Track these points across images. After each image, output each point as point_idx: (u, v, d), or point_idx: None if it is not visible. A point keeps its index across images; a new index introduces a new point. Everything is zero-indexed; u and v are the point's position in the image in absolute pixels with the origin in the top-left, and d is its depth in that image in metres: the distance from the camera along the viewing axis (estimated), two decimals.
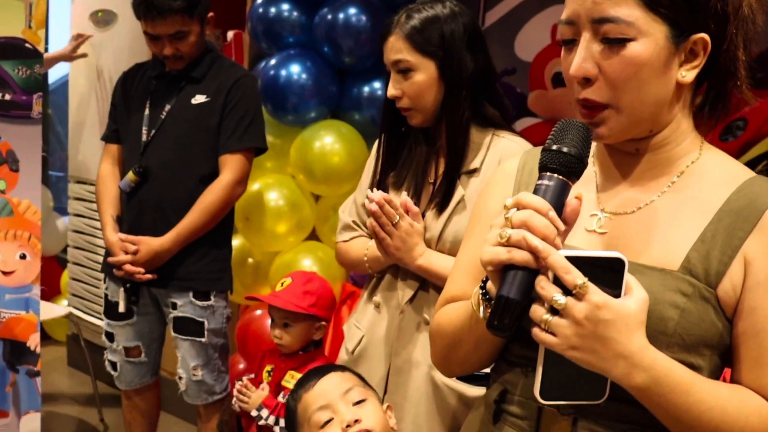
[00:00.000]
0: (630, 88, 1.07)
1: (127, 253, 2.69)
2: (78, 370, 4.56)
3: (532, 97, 3.38)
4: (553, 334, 0.98)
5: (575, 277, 0.96)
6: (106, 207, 2.82)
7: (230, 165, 2.70)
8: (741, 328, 1.08)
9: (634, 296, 0.99)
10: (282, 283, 2.48)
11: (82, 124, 4.29)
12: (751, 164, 2.81)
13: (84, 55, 3.98)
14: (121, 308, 2.77)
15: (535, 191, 1.03)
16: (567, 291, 0.97)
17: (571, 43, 1.11)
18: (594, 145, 1.24)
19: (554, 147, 1.04)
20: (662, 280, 1.08)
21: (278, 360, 2.49)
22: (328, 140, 3.14)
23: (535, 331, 0.99)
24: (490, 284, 1.07)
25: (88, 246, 4.31)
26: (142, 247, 2.68)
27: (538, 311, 0.99)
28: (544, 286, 0.97)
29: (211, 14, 2.77)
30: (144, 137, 2.75)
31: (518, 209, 1.00)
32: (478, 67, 1.89)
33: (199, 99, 2.73)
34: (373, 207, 1.81)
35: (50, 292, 4.83)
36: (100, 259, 4.18)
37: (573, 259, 0.97)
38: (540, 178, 1.04)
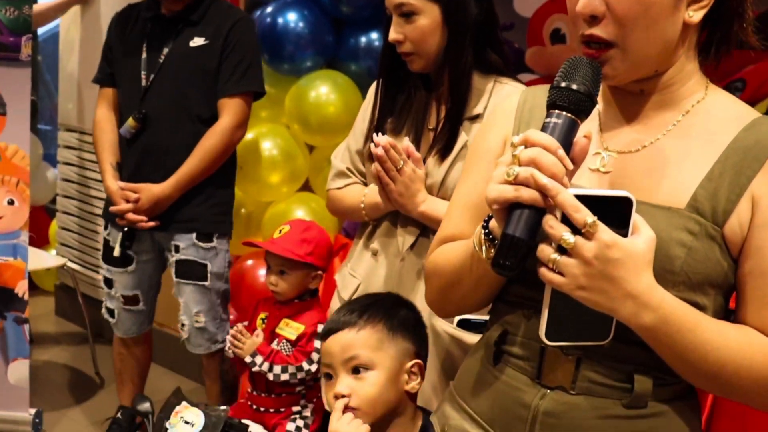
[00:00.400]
0: (638, 26, 1.05)
1: (128, 201, 2.67)
2: (66, 320, 4.55)
3: (530, 53, 3.36)
4: (561, 273, 0.97)
5: (585, 215, 0.94)
6: (105, 154, 2.79)
7: (229, 109, 2.68)
8: (747, 267, 1.07)
9: (642, 235, 0.98)
10: (280, 230, 2.47)
11: (73, 71, 4.23)
12: None
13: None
14: (116, 252, 2.75)
15: (543, 129, 1.01)
16: (575, 230, 0.95)
17: None
18: None
19: (563, 84, 1.01)
20: (669, 218, 1.07)
21: (273, 308, 2.49)
22: (324, 90, 3.11)
23: (543, 270, 0.98)
24: (493, 223, 1.06)
25: (77, 195, 4.27)
26: (143, 194, 2.66)
27: (545, 251, 0.97)
28: (552, 224, 0.96)
29: None
30: (143, 82, 2.71)
31: (526, 147, 0.98)
32: (482, 13, 1.85)
33: (197, 42, 2.69)
34: (379, 151, 1.77)
35: (39, 242, 4.80)
36: (90, 208, 4.20)
37: (580, 198, 0.96)
38: (548, 115, 1.02)
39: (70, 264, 4.22)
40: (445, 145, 1.84)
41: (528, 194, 0.96)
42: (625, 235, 0.97)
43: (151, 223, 2.68)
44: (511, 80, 1.89)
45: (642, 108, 1.15)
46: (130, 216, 2.67)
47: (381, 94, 1.97)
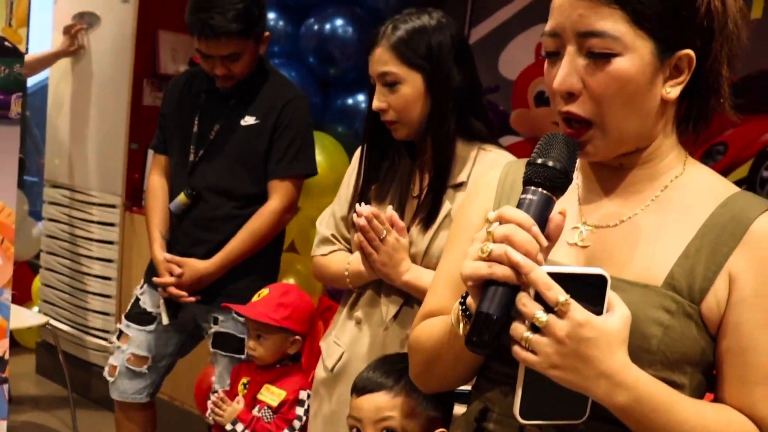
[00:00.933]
0: (615, 103, 1.06)
1: (172, 274, 2.67)
2: (47, 379, 4.47)
3: (515, 116, 3.39)
4: (533, 352, 0.96)
5: (557, 293, 0.94)
6: (155, 223, 2.79)
7: (279, 191, 2.67)
8: (725, 345, 1.07)
9: (617, 313, 0.97)
10: (259, 294, 2.45)
11: (61, 128, 4.24)
12: None
13: (82, 47, 3.97)
14: (164, 321, 2.74)
15: (519, 205, 1.01)
16: (548, 308, 0.95)
17: (555, 56, 1.10)
18: None
19: (539, 161, 1.02)
20: (645, 296, 1.07)
21: (254, 372, 2.46)
22: None
23: (516, 349, 0.98)
24: (470, 300, 1.05)
25: (61, 252, 4.24)
26: (187, 269, 2.66)
27: (518, 329, 0.97)
28: (525, 302, 0.96)
29: (267, 34, 2.70)
30: (191, 157, 2.71)
31: (501, 223, 0.98)
32: (465, 80, 1.87)
33: (248, 120, 2.68)
34: (362, 222, 1.76)
35: (21, 298, 4.75)
36: (76, 266, 4.16)
37: (554, 276, 0.95)
38: (524, 192, 1.02)
39: (52, 322, 4.17)
40: (428, 213, 1.84)
41: (501, 271, 0.96)
42: (599, 312, 0.97)
43: (191, 299, 2.67)
44: (495, 147, 1.90)
45: (621, 182, 1.16)
46: (172, 290, 2.67)
47: (365, 161, 1.97)
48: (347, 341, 1.96)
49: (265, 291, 2.44)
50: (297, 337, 2.43)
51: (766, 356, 1.04)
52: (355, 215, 1.78)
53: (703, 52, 1.08)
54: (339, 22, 3.08)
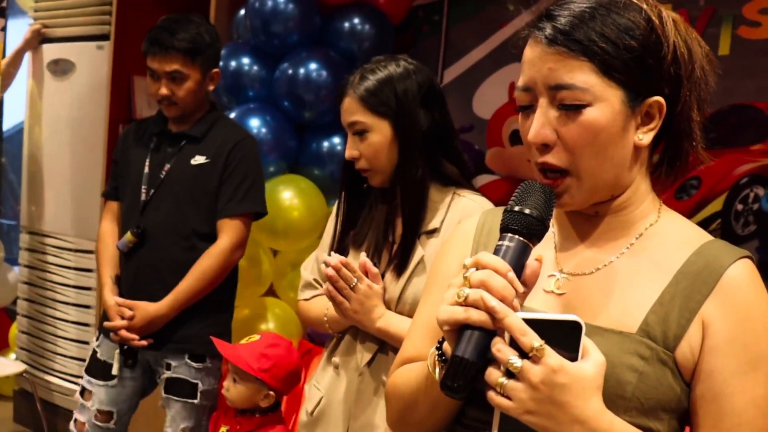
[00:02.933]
0: (588, 153, 1.08)
1: (123, 318, 2.65)
2: (24, 427, 4.40)
3: (490, 155, 3.42)
4: (508, 397, 0.97)
5: (532, 339, 0.95)
6: (105, 268, 2.79)
7: (228, 230, 2.67)
8: (699, 391, 1.08)
9: (591, 360, 0.98)
10: (249, 339, 2.44)
11: (37, 174, 4.22)
12: (705, 222, 2.86)
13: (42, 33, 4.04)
14: (115, 371, 2.71)
15: (495, 251, 1.03)
16: (523, 354, 0.96)
17: (528, 109, 1.12)
18: None
19: (516, 208, 1.04)
20: (620, 342, 1.08)
21: (233, 421, 2.43)
22: (287, 195, 3.14)
23: (491, 394, 0.98)
24: (446, 345, 1.06)
25: (38, 298, 4.20)
26: (138, 312, 2.64)
27: (493, 374, 0.97)
28: (500, 348, 0.96)
29: (216, 70, 2.74)
30: (143, 196, 2.72)
31: (477, 269, 0.99)
32: (434, 124, 1.88)
33: (198, 159, 2.70)
34: (330, 272, 1.78)
35: None
36: (51, 312, 4.13)
37: (530, 322, 0.96)
38: (501, 238, 1.04)
39: (29, 369, 4.13)
40: (401, 260, 1.85)
41: (477, 316, 0.97)
42: (574, 358, 0.98)
43: (143, 342, 2.65)
44: (469, 192, 1.91)
45: (596, 230, 1.18)
46: (123, 333, 2.64)
47: (343, 207, 1.99)
48: (326, 386, 1.96)
49: (255, 337, 2.43)
50: (271, 392, 2.39)
51: (740, 403, 1.05)
52: (323, 265, 1.80)
53: (673, 98, 1.11)
54: (313, 65, 3.10)
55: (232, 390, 2.39)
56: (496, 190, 3.31)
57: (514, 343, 0.96)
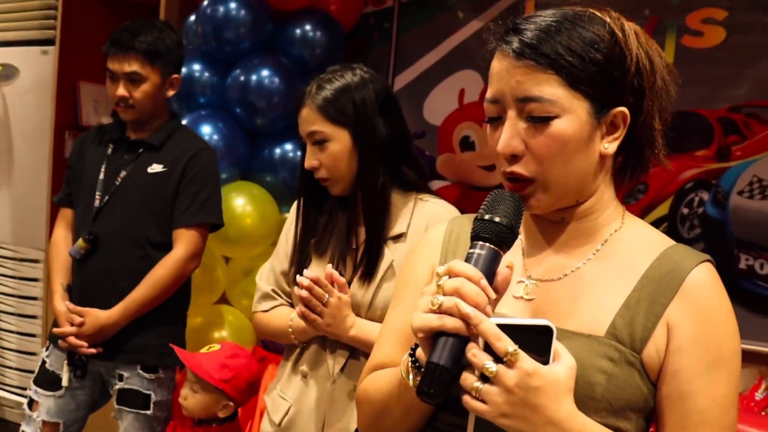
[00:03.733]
0: (556, 162, 1.12)
1: (72, 324, 2.59)
2: None
3: (441, 161, 3.45)
4: (483, 401, 0.99)
5: (506, 344, 0.97)
6: (56, 275, 2.73)
7: (184, 240, 2.64)
8: (664, 391, 1.11)
9: (563, 363, 1.01)
10: (209, 348, 2.41)
11: None
12: (652, 226, 2.91)
13: None
14: (64, 381, 2.65)
15: (467, 259, 1.05)
16: (498, 358, 0.98)
17: (497, 121, 1.15)
18: None
19: (487, 217, 1.06)
20: (589, 345, 1.11)
21: (190, 431, 2.40)
22: (240, 202, 3.11)
23: (466, 398, 1.00)
24: (419, 351, 1.07)
25: None
26: (88, 319, 2.59)
27: (468, 379, 0.99)
28: (475, 353, 0.98)
29: (176, 76, 2.71)
30: (97, 203, 2.67)
31: (450, 277, 1.01)
32: (392, 132, 1.90)
33: (155, 168, 2.66)
34: (303, 293, 1.78)
35: None
36: (3, 325, 4.02)
37: (502, 327, 0.99)
38: (472, 246, 1.06)
39: None
40: (367, 266, 1.86)
41: (452, 323, 0.99)
42: (546, 362, 1.00)
43: (92, 350, 2.59)
44: (431, 197, 1.94)
45: (563, 236, 1.21)
46: (71, 340, 2.58)
47: (302, 216, 1.99)
48: (293, 395, 1.95)
49: (216, 346, 2.41)
50: (230, 403, 2.37)
51: (704, 402, 1.09)
52: (296, 288, 1.79)
53: (636, 108, 1.15)
54: (265, 72, 3.08)
55: (191, 399, 2.36)
56: (447, 195, 3.32)
57: (488, 349, 0.98)
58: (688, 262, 1.14)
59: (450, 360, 0.99)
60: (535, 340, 1.00)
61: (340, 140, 1.87)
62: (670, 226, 2.93)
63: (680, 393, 1.10)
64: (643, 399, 1.11)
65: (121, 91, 2.61)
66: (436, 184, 3.42)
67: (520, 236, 1.25)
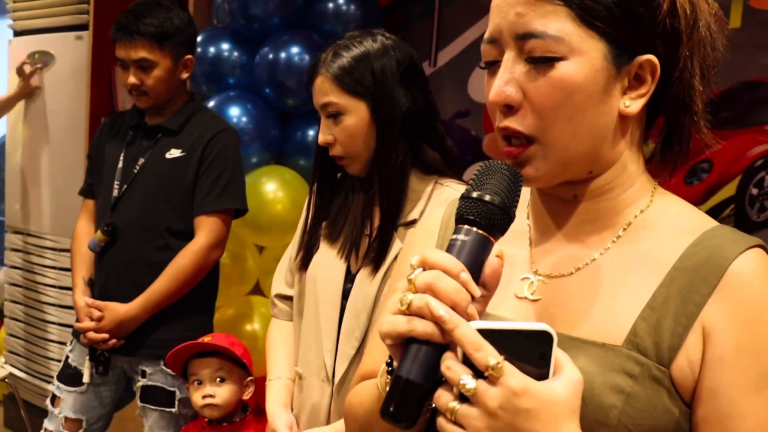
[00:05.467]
0: (559, 116, 0.89)
1: (92, 319, 2.51)
2: None
3: (487, 140, 3.24)
4: (461, 425, 0.78)
5: (487, 355, 0.76)
6: (77, 268, 2.67)
7: (205, 227, 2.52)
8: (701, 414, 0.88)
9: (563, 377, 0.79)
10: (203, 340, 2.29)
11: (19, 170, 4.08)
12: (717, 209, 2.69)
13: (38, 87, 3.84)
14: (86, 377, 2.58)
15: (449, 248, 0.84)
16: (479, 372, 0.77)
17: (494, 65, 0.93)
18: (528, 192, 1.06)
19: (474, 194, 0.84)
20: (603, 357, 0.89)
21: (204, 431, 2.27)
22: (271, 187, 2.97)
23: (441, 421, 0.79)
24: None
25: (25, 300, 4.07)
26: (107, 313, 2.50)
27: (443, 397, 0.79)
28: (450, 365, 0.78)
29: (189, 57, 2.58)
30: (115, 192, 2.58)
31: (424, 269, 0.81)
32: (415, 106, 1.72)
33: (173, 153, 2.55)
34: None
35: None
36: (39, 314, 4.01)
37: (488, 333, 0.78)
38: (456, 231, 0.85)
39: (16, 372, 4.01)
40: (377, 254, 1.68)
41: (422, 327, 0.79)
42: (545, 375, 0.79)
43: (112, 342, 2.51)
44: (453, 181, 1.74)
45: (577, 218, 0.98)
46: (91, 335, 2.50)
47: (315, 198, 1.83)
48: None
49: (208, 338, 2.30)
50: (251, 378, 2.29)
51: (751, 426, 0.86)
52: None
53: (670, 60, 0.92)
54: (294, 49, 2.91)
55: (222, 392, 2.24)
56: None
57: (469, 360, 0.78)
58: (731, 247, 0.90)
59: (421, 373, 0.79)
60: (532, 349, 0.79)
61: (356, 112, 1.69)
62: (737, 208, 2.67)
63: (721, 416, 0.87)
64: (674, 424, 0.88)
65: (132, 79, 2.50)
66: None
67: (527, 222, 1.04)
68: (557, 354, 0.80)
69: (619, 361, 0.88)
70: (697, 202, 2.79)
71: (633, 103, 0.92)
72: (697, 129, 0.97)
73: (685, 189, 2.75)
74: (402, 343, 0.81)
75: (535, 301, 0.98)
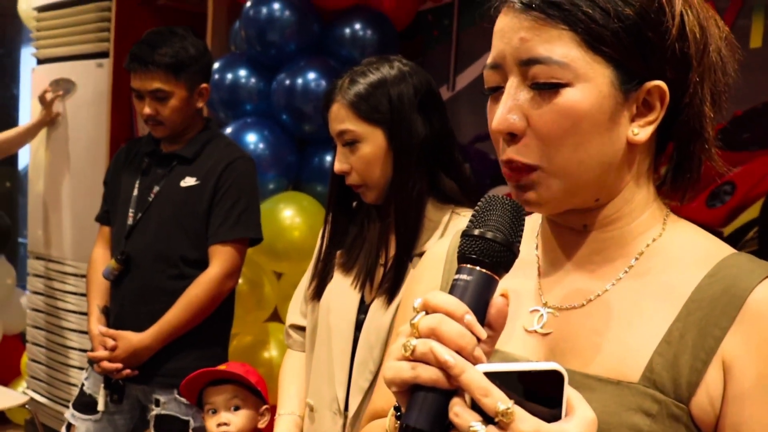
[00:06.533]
0: (565, 145, 0.87)
1: (105, 348, 2.51)
2: None
3: None
4: None
5: (496, 400, 0.73)
6: (92, 296, 2.66)
7: (219, 256, 2.50)
8: None
9: (576, 418, 0.76)
10: (217, 368, 2.27)
11: (41, 196, 4.11)
12: (741, 231, 2.64)
13: (59, 114, 3.88)
14: (100, 405, 2.57)
15: (452, 289, 0.81)
16: (488, 418, 0.75)
17: (498, 91, 0.91)
18: (537, 221, 1.03)
19: (476, 231, 0.81)
20: (618, 395, 0.86)
21: None
22: (288, 213, 2.96)
23: None
24: None
25: (47, 326, 4.09)
26: (120, 342, 2.50)
27: None
28: (458, 412, 0.75)
29: (204, 85, 2.58)
30: (130, 220, 2.58)
31: (427, 312, 0.78)
32: (433, 133, 1.69)
33: (188, 182, 2.55)
34: None
35: (10, 374, 4.60)
36: (60, 339, 4.02)
37: (496, 375, 0.75)
38: (458, 271, 0.82)
39: (38, 398, 4.01)
40: (391, 284, 1.66)
41: (427, 374, 0.76)
42: (558, 416, 0.76)
43: (126, 371, 2.50)
44: (470, 211, 1.68)
45: (586, 249, 0.95)
46: (105, 364, 2.50)
47: (330, 227, 1.81)
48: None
49: (222, 366, 2.27)
50: (266, 406, 2.24)
51: None
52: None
53: (679, 85, 0.89)
54: (311, 75, 2.92)
55: (236, 420, 2.21)
56: None
57: (478, 406, 0.75)
58: (750, 276, 0.87)
59: (428, 422, 0.76)
60: (543, 390, 0.76)
61: (373, 140, 1.67)
62: (761, 230, 2.62)
63: None
64: None
65: (148, 110, 2.50)
66: (502, 190, 3.18)
67: (536, 251, 1.01)
68: (569, 393, 0.77)
69: (635, 399, 0.85)
70: (720, 224, 2.74)
71: (641, 131, 0.89)
72: (709, 156, 0.94)
73: (707, 212, 2.70)
74: (408, 390, 0.78)
75: (545, 335, 0.95)
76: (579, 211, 0.93)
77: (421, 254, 1.66)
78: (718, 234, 2.56)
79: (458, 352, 0.76)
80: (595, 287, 0.94)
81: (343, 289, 1.74)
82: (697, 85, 0.90)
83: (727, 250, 0.92)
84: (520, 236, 0.83)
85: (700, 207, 2.69)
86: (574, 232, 0.96)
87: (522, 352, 0.94)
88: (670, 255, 0.93)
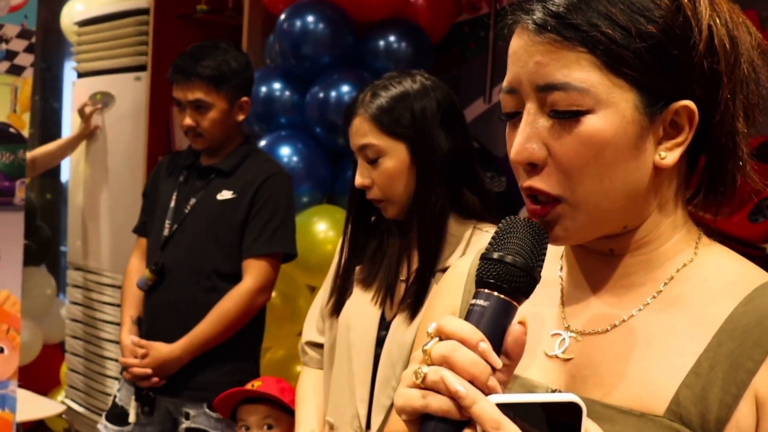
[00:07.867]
0: (588, 175, 0.82)
1: (136, 357, 2.54)
2: None
3: None
4: None
5: None
6: (126, 306, 2.69)
7: (253, 270, 2.51)
8: None
9: None
10: (252, 384, 2.26)
11: (81, 209, 4.16)
12: None
13: (98, 127, 3.93)
14: (131, 417, 2.59)
15: (468, 314, 0.78)
16: None
17: (515, 117, 0.86)
18: None
19: (495, 255, 0.79)
20: (641, 429, 0.82)
21: None
22: (322, 227, 2.94)
23: None
24: None
25: (85, 336, 4.13)
26: (151, 352, 2.52)
27: None
28: None
29: (245, 99, 2.59)
30: (166, 231, 2.60)
31: (441, 339, 0.76)
32: (456, 148, 1.67)
33: (225, 195, 2.56)
34: None
35: (50, 383, 4.65)
36: (98, 350, 4.07)
37: (510, 407, 0.72)
38: (475, 296, 0.79)
39: (76, 408, 4.05)
40: (413, 300, 1.63)
41: (438, 403, 0.73)
42: None
43: (155, 380, 2.51)
44: (492, 226, 1.68)
45: (613, 273, 0.91)
46: (135, 370, 2.52)
47: (349, 241, 1.78)
48: None
49: (258, 382, 2.27)
50: None
51: None
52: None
53: (709, 103, 0.84)
54: (345, 88, 2.90)
55: None
56: None
57: None
58: None
59: None
60: (559, 423, 0.73)
61: (395, 155, 1.66)
62: None
63: None
64: None
65: (188, 120, 2.52)
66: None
67: (560, 273, 0.97)
68: (587, 426, 0.74)
69: None
70: (763, 239, 2.66)
71: (669, 154, 0.85)
72: (744, 173, 0.89)
73: (749, 226, 2.62)
74: (418, 419, 0.75)
75: (566, 360, 0.91)
76: (606, 237, 0.90)
77: (443, 270, 1.64)
78: (760, 250, 2.48)
79: (471, 382, 0.73)
80: (621, 312, 0.90)
81: (363, 305, 1.72)
82: (728, 101, 0.85)
83: (764, 276, 0.87)
84: (542, 261, 0.80)
85: (743, 221, 2.61)
86: (601, 255, 0.92)
87: (541, 378, 0.91)
88: (701, 281, 0.88)
